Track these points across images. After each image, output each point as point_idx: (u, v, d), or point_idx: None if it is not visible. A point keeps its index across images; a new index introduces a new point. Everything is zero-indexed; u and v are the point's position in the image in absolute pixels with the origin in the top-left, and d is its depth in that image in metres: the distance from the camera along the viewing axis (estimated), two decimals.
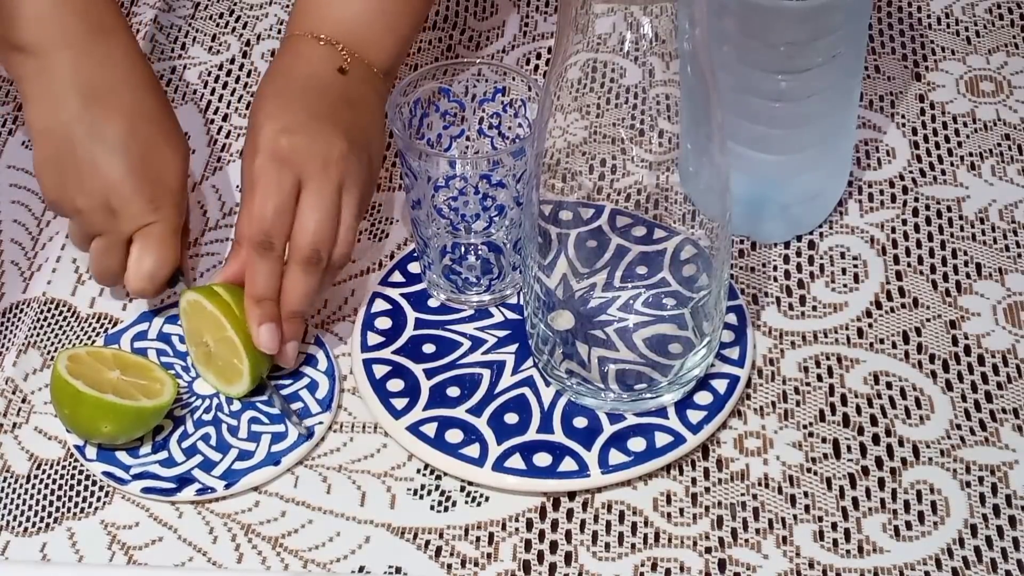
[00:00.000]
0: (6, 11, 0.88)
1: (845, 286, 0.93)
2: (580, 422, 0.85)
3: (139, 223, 0.89)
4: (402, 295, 0.93)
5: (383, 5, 0.94)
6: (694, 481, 0.84)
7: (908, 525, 0.82)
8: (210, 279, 0.93)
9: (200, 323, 0.87)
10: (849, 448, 0.85)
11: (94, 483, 0.86)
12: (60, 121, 0.89)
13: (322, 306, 0.94)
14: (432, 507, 0.84)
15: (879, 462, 0.84)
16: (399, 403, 0.87)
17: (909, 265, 0.94)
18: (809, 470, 0.84)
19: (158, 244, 0.89)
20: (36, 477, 0.86)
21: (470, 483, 0.85)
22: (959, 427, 0.86)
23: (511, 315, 0.91)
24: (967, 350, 0.90)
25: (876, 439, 0.86)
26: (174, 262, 0.90)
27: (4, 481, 0.86)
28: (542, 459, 0.84)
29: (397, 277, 0.94)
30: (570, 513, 0.83)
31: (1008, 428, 0.86)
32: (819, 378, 0.89)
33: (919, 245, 0.95)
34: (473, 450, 0.84)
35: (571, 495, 0.84)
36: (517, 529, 0.83)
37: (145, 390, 0.85)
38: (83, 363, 0.85)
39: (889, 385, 0.88)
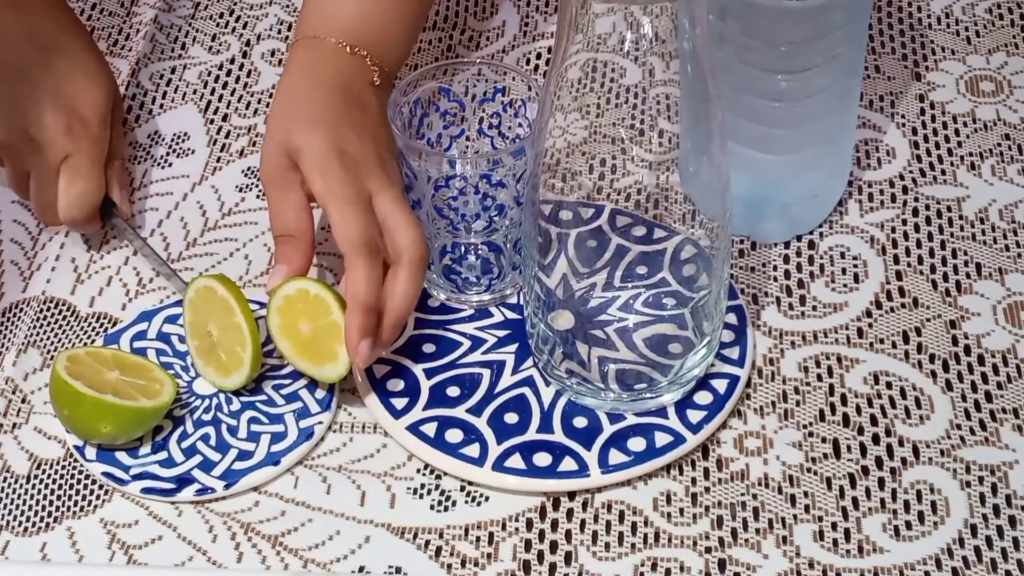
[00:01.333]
0: None
1: (845, 286, 0.93)
2: (580, 422, 0.85)
3: (61, 152, 0.94)
4: None
5: (395, 12, 0.94)
6: (694, 481, 0.84)
7: (908, 525, 0.82)
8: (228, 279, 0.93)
9: (207, 311, 0.87)
10: (849, 448, 0.85)
11: (94, 482, 0.86)
12: None
13: None
14: (432, 507, 0.84)
15: (879, 462, 0.84)
16: (399, 403, 0.87)
17: (909, 265, 0.94)
18: (809, 470, 0.84)
19: (81, 174, 0.94)
20: (36, 477, 0.86)
21: (470, 483, 0.85)
22: (959, 427, 0.86)
23: (511, 315, 0.91)
24: (967, 350, 0.89)
25: (876, 439, 0.86)
26: (98, 191, 0.95)
27: (4, 481, 0.86)
28: (542, 459, 0.84)
29: None
30: (570, 513, 0.83)
31: (1008, 428, 0.86)
32: (819, 378, 0.89)
33: (919, 245, 0.95)
34: (473, 450, 0.84)
35: (571, 495, 0.84)
36: (517, 529, 0.83)
37: (144, 390, 0.85)
38: (82, 363, 0.85)
39: (889, 385, 0.88)
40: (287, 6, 1.15)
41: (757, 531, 0.82)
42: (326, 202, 0.85)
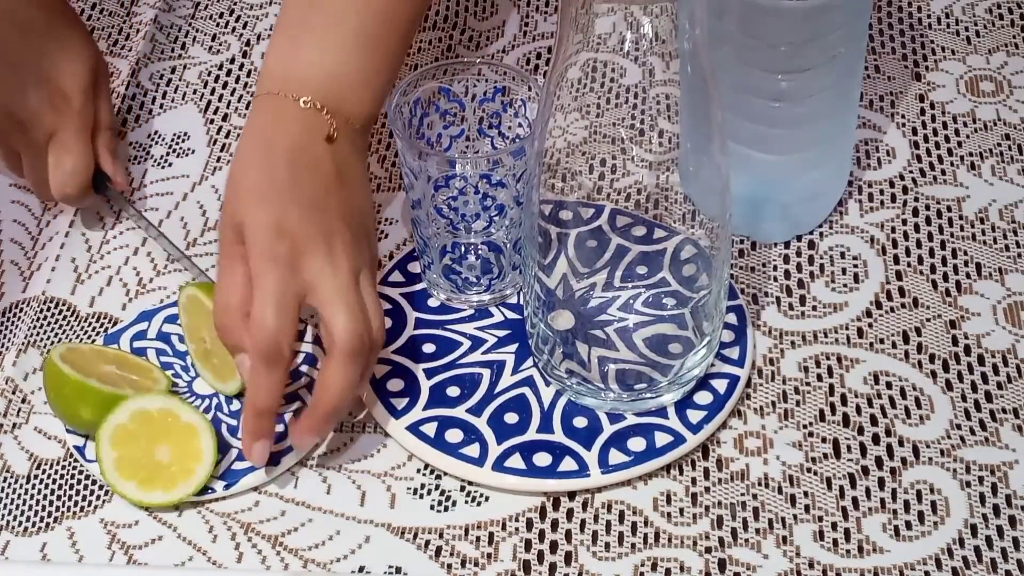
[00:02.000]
0: None
1: (845, 286, 0.93)
2: (580, 422, 0.85)
3: (46, 129, 0.95)
4: (402, 295, 0.93)
5: (361, 58, 0.89)
6: (694, 481, 0.84)
7: (908, 525, 0.82)
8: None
9: (199, 319, 0.88)
10: (849, 448, 0.85)
11: (94, 482, 0.86)
12: None
13: None
14: (432, 507, 0.84)
15: (879, 462, 0.84)
16: (399, 403, 0.87)
17: (909, 265, 0.94)
18: (809, 470, 0.84)
19: (68, 148, 0.95)
20: (36, 477, 0.86)
21: (470, 483, 0.85)
22: (959, 427, 0.86)
23: (511, 315, 0.91)
24: (967, 350, 0.89)
25: (876, 439, 0.86)
26: (87, 164, 0.96)
27: (4, 481, 0.86)
28: (542, 459, 0.84)
29: (397, 277, 0.94)
30: (570, 513, 0.83)
31: (1008, 428, 0.86)
32: (819, 378, 0.89)
33: (919, 245, 0.95)
34: (473, 450, 0.84)
35: (571, 495, 0.84)
36: (517, 529, 0.83)
37: (135, 384, 0.85)
38: (80, 353, 0.86)
39: (889, 385, 0.88)
40: None
41: (757, 531, 0.82)
42: (253, 289, 0.82)
